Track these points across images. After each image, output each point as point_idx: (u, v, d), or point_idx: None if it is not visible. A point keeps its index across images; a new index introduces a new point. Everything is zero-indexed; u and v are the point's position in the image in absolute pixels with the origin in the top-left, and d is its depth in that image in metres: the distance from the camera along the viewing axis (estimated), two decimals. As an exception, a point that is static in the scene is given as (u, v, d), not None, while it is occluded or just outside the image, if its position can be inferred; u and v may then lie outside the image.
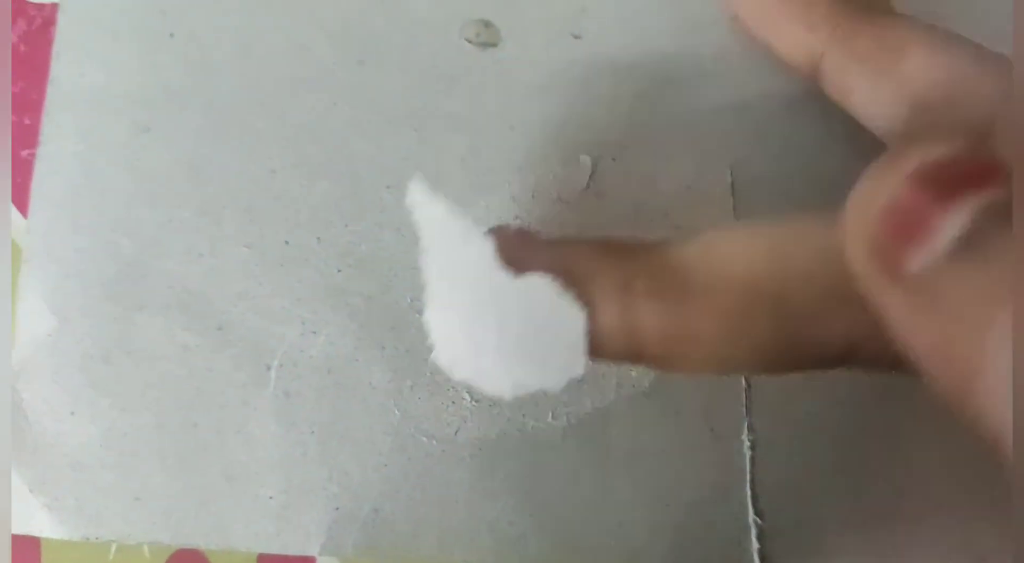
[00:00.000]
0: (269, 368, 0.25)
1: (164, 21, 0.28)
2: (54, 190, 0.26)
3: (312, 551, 0.25)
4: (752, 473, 0.25)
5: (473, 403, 0.25)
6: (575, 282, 0.18)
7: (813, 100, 0.26)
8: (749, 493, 0.25)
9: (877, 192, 0.16)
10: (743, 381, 0.25)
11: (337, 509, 0.25)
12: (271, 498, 0.25)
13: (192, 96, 0.27)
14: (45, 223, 0.26)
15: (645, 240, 0.20)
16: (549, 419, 0.24)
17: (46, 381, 0.25)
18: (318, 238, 0.26)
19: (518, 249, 0.19)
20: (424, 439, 0.24)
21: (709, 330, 0.18)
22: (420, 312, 0.25)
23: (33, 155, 0.27)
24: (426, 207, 0.19)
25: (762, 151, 0.26)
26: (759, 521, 0.25)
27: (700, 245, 0.19)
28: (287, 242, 0.26)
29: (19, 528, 0.25)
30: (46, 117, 0.27)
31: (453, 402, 0.25)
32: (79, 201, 0.26)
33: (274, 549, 0.25)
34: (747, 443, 0.25)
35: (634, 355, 0.19)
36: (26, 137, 0.28)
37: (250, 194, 0.26)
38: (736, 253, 0.18)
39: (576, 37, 0.28)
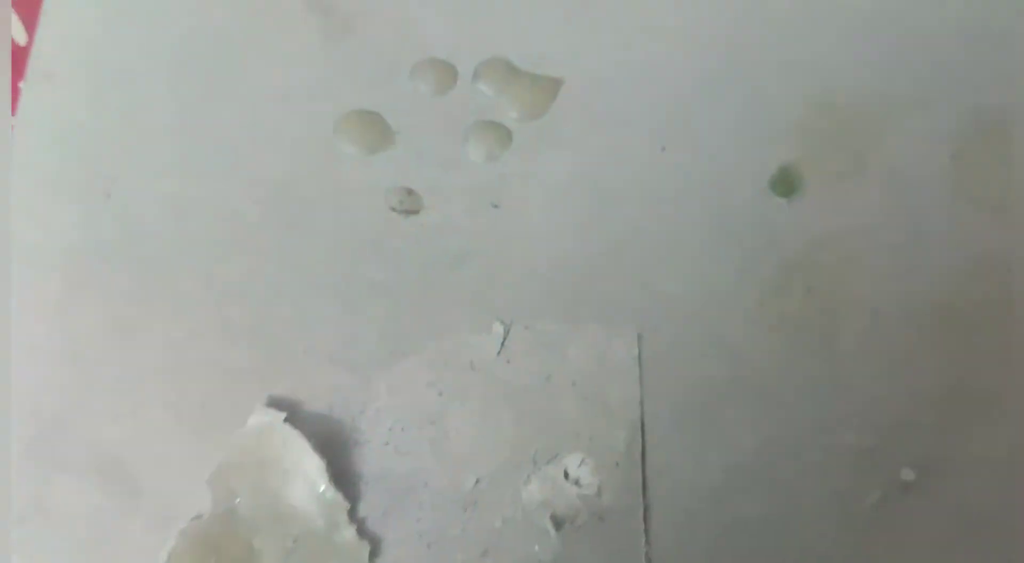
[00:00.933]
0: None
1: (102, 182, 0.29)
2: (-15, 344, 0.27)
3: None
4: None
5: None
6: None
7: (716, 273, 0.28)
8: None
9: None
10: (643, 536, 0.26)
11: None
12: None
13: (123, 256, 0.28)
14: (-27, 377, 0.27)
15: None
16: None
17: (-42, 542, 0.25)
18: (233, 402, 0.27)
19: None
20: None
21: None
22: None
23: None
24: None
25: (668, 320, 0.27)
26: None
27: None
28: (203, 405, 0.27)
29: None
30: (-18, 271, 0.28)
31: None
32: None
33: None
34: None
35: None
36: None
37: (173, 355, 0.27)
38: None
39: (495, 206, 0.29)
